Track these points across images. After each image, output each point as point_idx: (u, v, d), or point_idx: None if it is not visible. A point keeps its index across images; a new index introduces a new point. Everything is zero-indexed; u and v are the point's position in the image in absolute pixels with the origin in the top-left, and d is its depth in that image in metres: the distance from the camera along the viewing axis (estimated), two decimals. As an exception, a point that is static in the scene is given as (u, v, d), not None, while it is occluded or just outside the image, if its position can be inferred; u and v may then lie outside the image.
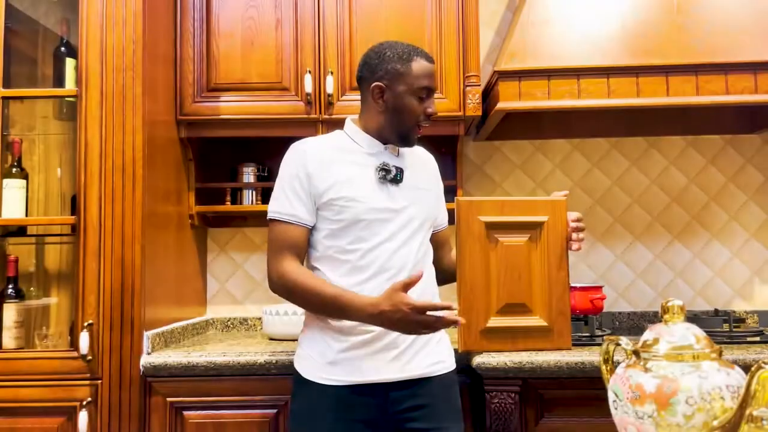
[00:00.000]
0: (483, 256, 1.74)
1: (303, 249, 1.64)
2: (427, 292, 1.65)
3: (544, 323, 1.77)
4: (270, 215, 1.64)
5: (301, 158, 1.61)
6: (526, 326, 1.78)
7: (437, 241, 1.79)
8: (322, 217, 1.61)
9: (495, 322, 1.77)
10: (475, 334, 1.77)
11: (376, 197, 1.60)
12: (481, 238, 1.75)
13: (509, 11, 2.68)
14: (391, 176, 1.62)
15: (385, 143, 1.67)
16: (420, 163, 1.76)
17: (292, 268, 1.59)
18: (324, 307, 1.57)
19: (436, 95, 2.21)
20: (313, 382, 1.58)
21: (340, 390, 1.55)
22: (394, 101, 1.63)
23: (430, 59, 1.66)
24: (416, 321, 1.43)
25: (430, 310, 1.43)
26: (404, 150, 1.73)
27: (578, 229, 1.72)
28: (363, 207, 1.59)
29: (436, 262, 1.76)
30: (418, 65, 1.62)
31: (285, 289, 1.60)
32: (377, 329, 1.55)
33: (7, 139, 2.10)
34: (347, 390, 1.55)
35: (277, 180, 1.66)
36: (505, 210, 1.79)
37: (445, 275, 1.79)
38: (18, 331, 2.04)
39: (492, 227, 1.77)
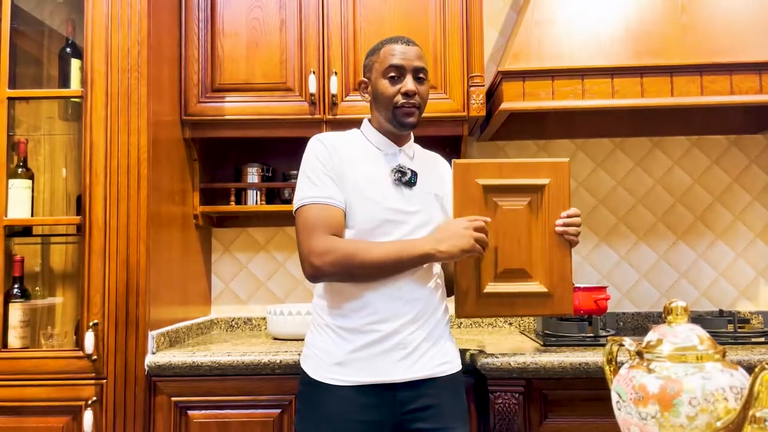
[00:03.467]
0: None
1: (342, 232, 1.58)
2: (435, 295, 1.66)
3: (544, 289, 1.70)
4: (302, 202, 1.59)
5: (325, 146, 1.62)
6: (526, 292, 1.70)
7: None
8: None
9: (493, 287, 1.70)
10: (473, 299, 1.70)
11: (390, 198, 1.60)
12: (479, 202, 1.67)
13: (513, 11, 2.68)
14: (406, 179, 1.62)
15: (396, 141, 1.68)
16: (433, 168, 1.76)
17: (339, 240, 1.55)
18: (387, 258, 1.53)
19: (439, 95, 2.26)
20: (321, 382, 1.57)
21: (348, 390, 1.55)
22: (373, 90, 1.67)
23: (402, 41, 1.66)
24: (467, 223, 1.55)
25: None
26: (418, 153, 1.74)
27: (569, 224, 1.69)
28: (377, 207, 1.58)
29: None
30: (386, 49, 1.65)
31: (339, 260, 1.52)
32: (385, 329, 1.55)
33: (13, 139, 2.11)
34: (354, 390, 1.55)
35: (302, 172, 1.63)
36: (504, 172, 1.70)
37: (446, 284, 1.75)
38: (23, 330, 2.05)
39: (490, 190, 1.69)
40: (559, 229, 1.70)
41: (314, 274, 1.55)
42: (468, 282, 1.69)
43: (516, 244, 1.69)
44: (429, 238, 1.58)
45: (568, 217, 1.70)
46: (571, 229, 1.70)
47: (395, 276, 1.57)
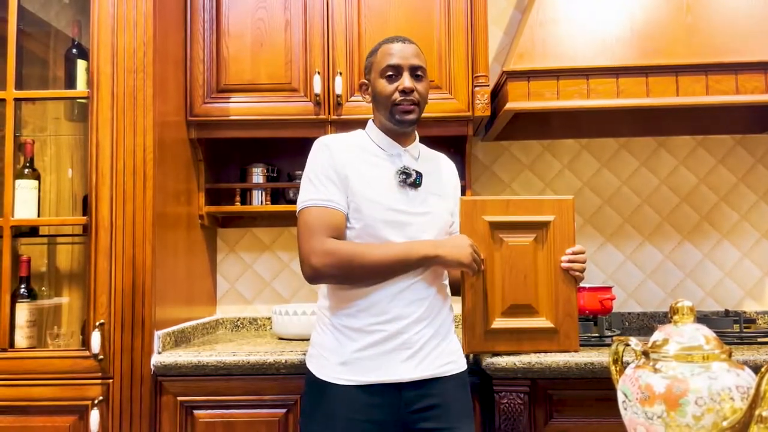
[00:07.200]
0: (487, 256, 1.73)
1: (342, 235, 1.59)
2: (441, 295, 1.66)
3: (551, 325, 1.75)
4: (303, 205, 1.60)
5: (328, 149, 1.63)
6: (532, 328, 1.76)
7: None
8: None
9: (500, 323, 1.75)
10: (480, 335, 1.75)
11: (394, 199, 1.61)
12: (486, 238, 1.73)
13: (518, 11, 2.68)
14: (411, 180, 1.63)
15: (400, 141, 1.68)
16: (438, 169, 1.76)
17: (339, 243, 1.55)
18: (387, 260, 1.53)
19: (444, 95, 2.26)
20: (326, 382, 1.58)
21: (353, 390, 1.55)
22: (373, 90, 1.68)
23: (399, 40, 1.67)
24: (471, 242, 1.60)
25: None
26: (423, 154, 1.74)
27: (573, 261, 1.71)
28: (381, 208, 1.59)
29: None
30: (383, 49, 1.67)
31: (339, 263, 1.53)
32: (391, 329, 1.56)
33: (20, 140, 2.12)
34: (360, 390, 1.55)
35: (305, 175, 1.64)
36: (511, 209, 1.76)
37: (451, 284, 1.76)
38: (30, 330, 2.06)
39: (497, 227, 1.74)
40: (564, 265, 1.73)
41: (313, 275, 1.56)
42: (476, 317, 1.74)
43: (522, 280, 1.74)
44: (429, 242, 1.60)
45: (573, 253, 1.71)
46: (576, 266, 1.73)
47: (401, 276, 1.57)
